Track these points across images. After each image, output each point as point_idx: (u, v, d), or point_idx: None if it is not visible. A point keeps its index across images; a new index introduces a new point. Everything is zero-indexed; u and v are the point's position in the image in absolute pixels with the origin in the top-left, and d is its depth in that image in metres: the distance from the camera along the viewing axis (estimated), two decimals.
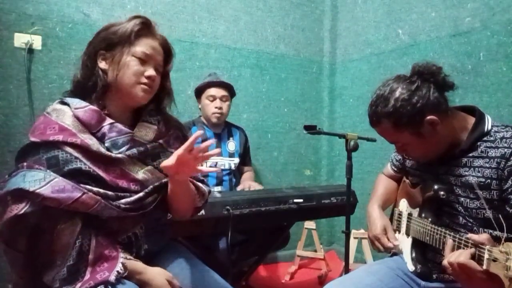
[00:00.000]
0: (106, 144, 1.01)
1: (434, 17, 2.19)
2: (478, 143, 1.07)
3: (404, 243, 1.25)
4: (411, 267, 1.17)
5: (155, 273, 1.01)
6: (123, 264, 0.96)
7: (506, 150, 1.00)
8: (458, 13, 2.04)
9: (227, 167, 2.13)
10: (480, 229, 1.05)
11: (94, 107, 1.02)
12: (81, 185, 0.94)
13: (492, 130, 1.07)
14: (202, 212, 1.38)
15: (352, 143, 1.47)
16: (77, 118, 0.99)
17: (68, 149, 0.96)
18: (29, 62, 2.00)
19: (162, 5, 2.36)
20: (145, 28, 1.06)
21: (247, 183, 2.04)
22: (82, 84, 1.05)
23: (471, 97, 1.94)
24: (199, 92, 2.14)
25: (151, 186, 1.06)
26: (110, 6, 2.20)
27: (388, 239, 1.24)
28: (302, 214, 1.77)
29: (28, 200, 0.89)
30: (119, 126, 1.04)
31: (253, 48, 2.69)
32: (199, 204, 1.19)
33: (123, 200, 0.99)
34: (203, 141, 2.14)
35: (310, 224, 2.53)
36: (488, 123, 1.08)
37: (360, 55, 2.76)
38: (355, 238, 2.29)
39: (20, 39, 1.97)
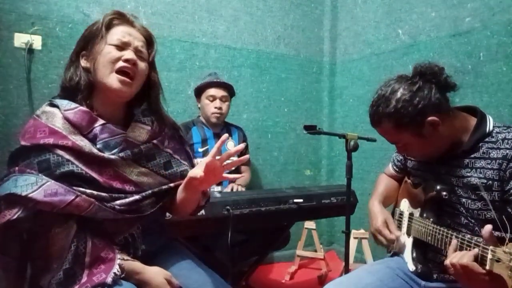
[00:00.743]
0: (98, 146, 0.99)
1: (434, 17, 2.19)
2: (480, 144, 1.07)
3: (405, 243, 1.24)
4: (411, 267, 1.17)
5: (154, 273, 1.00)
6: (120, 265, 0.95)
7: (508, 151, 1.00)
8: (458, 13, 2.04)
9: None
10: (482, 229, 1.05)
11: (84, 108, 1.00)
12: (74, 187, 0.92)
13: (494, 131, 1.07)
14: (202, 212, 1.37)
15: (352, 143, 1.47)
16: (67, 120, 0.97)
17: (60, 151, 0.94)
18: (29, 62, 2.00)
19: (162, 5, 2.36)
20: (118, 18, 1.05)
21: (233, 186, 2.03)
22: (67, 87, 1.04)
23: (471, 97, 1.94)
24: (199, 91, 2.14)
25: (149, 191, 1.05)
26: (110, 6, 2.20)
27: (390, 231, 1.23)
28: (302, 214, 1.77)
29: (20, 205, 0.88)
30: (111, 127, 1.02)
31: (253, 48, 2.69)
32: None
33: (118, 202, 0.98)
34: (203, 141, 2.17)
35: (310, 224, 2.53)
36: (490, 124, 1.08)
37: (360, 55, 2.76)
38: (355, 238, 2.29)
39: (20, 39, 1.97)
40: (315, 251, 2.60)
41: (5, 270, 0.94)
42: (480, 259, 0.87)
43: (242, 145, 1.09)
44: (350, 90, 2.85)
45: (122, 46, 1.02)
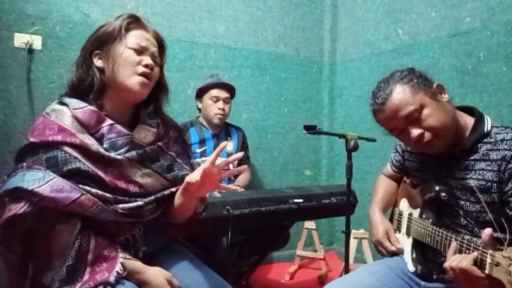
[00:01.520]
0: (105, 145, 1.01)
1: (434, 17, 2.19)
2: (479, 145, 1.06)
3: (405, 243, 1.25)
4: (411, 267, 1.17)
5: (154, 273, 1.01)
6: (122, 264, 0.95)
7: (506, 152, 1.00)
8: (458, 13, 2.04)
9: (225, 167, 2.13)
10: (481, 230, 1.04)
11: (93, 108, 1.01)
12: (80, 185, 0.93)
13: (492, 131, 1.06)
14: None
15: (352, 143, 1.47)
16: (76, 118, 0.99)
17: (67, 149, 0.95)
18: (29, 62, 2.00)
19: (162, 5, 2.36)
20: (134, 21, 1.07)
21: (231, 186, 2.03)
22: (78, 86, 1.05)
23: (471, 97, 1.94)
24: (201, 92, 2.13)
25: (152, 197, 1.05)
26: (110, 6, 2.21)
27: (391, 243, 1.25)
28: (302, 214, 1.77)
29: (26, 200, 0.89)
30: (119, 127, 1.03)
31: (253, 48, 2.69)
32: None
33: (120, 205, 0.99)
34: (201, 141, 2.17)
35: (310, 224, 2.53)
36: (488, 124, 1.08)
37: (360, 55, 2.76)
38: (355, 238, 2.29)
39: (20, 39, 1.97)
40: (315, 251, 2.60)
41: (9, 267, 0.94)
42: (479, 263, 0.86)
43: (240, 154, 1.10)
44: (350, 90, 2.85)
45: (140, 51, 1.05)
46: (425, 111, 1.05)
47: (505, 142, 1.02)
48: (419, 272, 1.15)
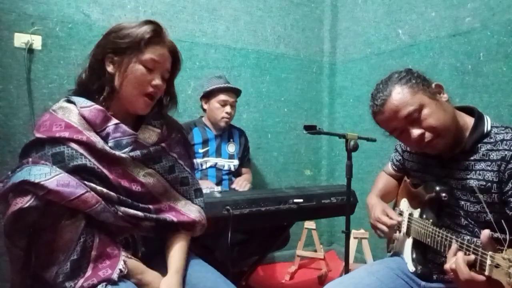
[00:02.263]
0: (110, 144, 1.02)
1: (434, 17, 2.18)
2: (479, 145, 1.06)
3: (405, 243, 1.24)
4: (411, 267, 1.17)
5: (155, 276, 1.02)
6: (124, 262, 0.96)
7: (506, 152, 1.00)
8: (458, 13, 2.04)
9: (226, 168, 2.14)
10: (481, 231, 1.04)
11: (100, 107, 1.02)
12: (85, 182, 0.94)
13: (492, 132, 1.06)
14: None
15: (352, 143, 1.47)
16: (82, 116, 1.00)
17: (74, 145, 0.96)
18: (29, 62, 2.00)
19: (162, 5, 2.36)
20: (156, 35, 1.05)
21: (240, 182, 2.04)
22: (87, 86, 1.05)
23: (471, 97, 1.94)
24: (208, 94, 2.13)
25: (154, 215, 1.05)
26: (110, 6, 2.20)
27: (390, 218, 1.22)
28: (302, 214, 1.77)
29: (32, 194, 0.89)
30: (124, 127, 1.04)
31: (253, 48, 2.69)
32: (196, 235, 1.18)
33: (122, 208, 0.99)
34: (203, 142, 2.18)
35: (310, 224, 2.53)
36: (488, 124, 1.08)
37: (360, 55, 2.76)
38: (355, 238, 2.29)
39: (20, 39, 1.97)
40: (315, 251, 2.60)
41: (13, 261, 0.95)
42: (479, 265, 0.86)
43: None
44: (350, 90, 2.85)
45: (152, 68, 1.05)
46: (425, 111, 1.05)
47: (505, 142, 1.02)
48: (419, 272, 1.15)
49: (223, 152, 2.16)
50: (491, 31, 1.87)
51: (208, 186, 1.81)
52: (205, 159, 2.10)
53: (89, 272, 0.92)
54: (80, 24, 2.11)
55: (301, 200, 1.66)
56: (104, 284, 0.91)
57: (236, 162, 2.18)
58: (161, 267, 1.06)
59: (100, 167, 0.98)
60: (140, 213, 1.02)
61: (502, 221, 0.91)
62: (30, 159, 0.94)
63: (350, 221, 1.52)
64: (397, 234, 1.31)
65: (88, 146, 0.97)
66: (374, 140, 1.56)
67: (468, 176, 1.07)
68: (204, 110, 2.17)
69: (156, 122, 1.13)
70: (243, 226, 1.58)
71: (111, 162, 1.01)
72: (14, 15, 1.96)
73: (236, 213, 1.48)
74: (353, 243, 2.26)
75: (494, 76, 1.86)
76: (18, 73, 1.98)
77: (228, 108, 2.09)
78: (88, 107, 1.01)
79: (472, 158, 1.07)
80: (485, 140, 1.06)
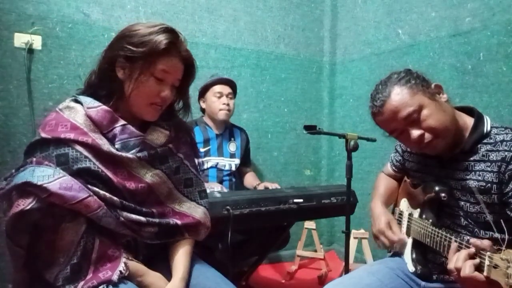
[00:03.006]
0: (116, 146, 1.01)
1: (434, 17, 2.18)
2: (479, 146, 1.06)
3: (405, 243, 1.24)
4: (411, 268, 1.17)
5: (157, 277, 1.02)
6: (125, 264, 0.96)
7: (506, 153, 0.99)
8: (458, 13, 2.04)
9: (227, 168, 2.13)
10: (481, 231, 1.04)
11: (107, 108, 1.01)
12: (89, 186, 0.93)
13: (492, 132, 1.06)
14: None
15: (352, 143, 1.47)
16: (89, 117, 0.99)
17: (79, 147, 0.95)
18: (29, 62, 2.00)
19: (162, 5, 2.36)
20: (172, 46, 1.02)
21: (264, 185, 2.02)
22: (96, 87, 1.05)
23: (471, 97, 1.94)
24: (203, 91, 2.13)
25: (156, 220, 1.04)
26: (110, 6, 2.20)
27: (394, 233, 1.22)
28: (302, 214, 1.77)
29: (34, 196, 0.89)
30: (131, 128, 1.03)
31: (253, 48, 2.69)
32: (200, 238, 1.17)
33: (124, 214, 0.98)
34: (205, 141, 2.17)
35: (310, 224, 2.53)
36: (487, 124, 1.08)
37: (360, 55, 2.76)
38: (355, 238, 2.29)
39: (20, 39, 1.97)
40: (315, 251, 2.60)
41: (15, 260, 0.94)
42: (478, 265, 0.86)
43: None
44: (350, 90, 2.85)
45: (163, 79, 1.03)
46: (424, 112, 1.05)
47: (504, 143, 1.01)
48: (419, 272, 1.15)
49: (225, 151, 2.16)
50: (491, 31, 1.87)
51: (213, 188, 1.78)
52: (207, 158, 2.09)
53: (89, 275, 0.92)
54: (80, 24, 2.11)
55: (301, 200, 1.66)
56: (104, 285, 0.91)
57: (237, 161, 2.18)
58: (163, 270, 1.06)
59: (105, 170, 0.97)
60: (142, 218, 1.01)
61: (501, 221, 0.91)
62: (34, 159, 0.93)
63: (350, 221, 1.52)
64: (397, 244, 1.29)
65: (93, 149, 0.96)
66: (374, 140, 1.56)
67: (468, 177, 1.07)
68: (204, 110, 2.17)
69: (165, 123, 1.12)
70: (243, 226, 1.58)
71: (116, 164, 0.99)
72: (14, 15, 1.96)
73: (236, 213, 1.48)
74: (353, 243, 2.26)
75: (494, 76, 1.86)
76: (18, 73, 1.98)
77: (224, 99, 2.08)
78: (95, 107, 1.00)
79: (471, 158, 1.07)
80: (485, 141, 1.06)
